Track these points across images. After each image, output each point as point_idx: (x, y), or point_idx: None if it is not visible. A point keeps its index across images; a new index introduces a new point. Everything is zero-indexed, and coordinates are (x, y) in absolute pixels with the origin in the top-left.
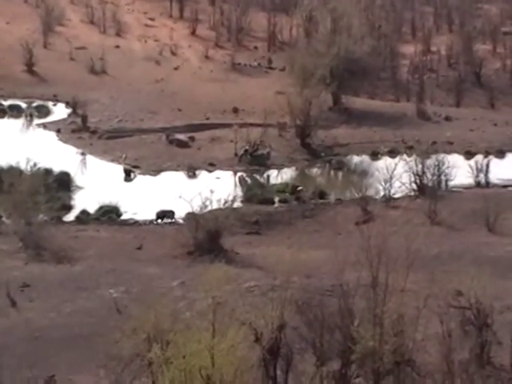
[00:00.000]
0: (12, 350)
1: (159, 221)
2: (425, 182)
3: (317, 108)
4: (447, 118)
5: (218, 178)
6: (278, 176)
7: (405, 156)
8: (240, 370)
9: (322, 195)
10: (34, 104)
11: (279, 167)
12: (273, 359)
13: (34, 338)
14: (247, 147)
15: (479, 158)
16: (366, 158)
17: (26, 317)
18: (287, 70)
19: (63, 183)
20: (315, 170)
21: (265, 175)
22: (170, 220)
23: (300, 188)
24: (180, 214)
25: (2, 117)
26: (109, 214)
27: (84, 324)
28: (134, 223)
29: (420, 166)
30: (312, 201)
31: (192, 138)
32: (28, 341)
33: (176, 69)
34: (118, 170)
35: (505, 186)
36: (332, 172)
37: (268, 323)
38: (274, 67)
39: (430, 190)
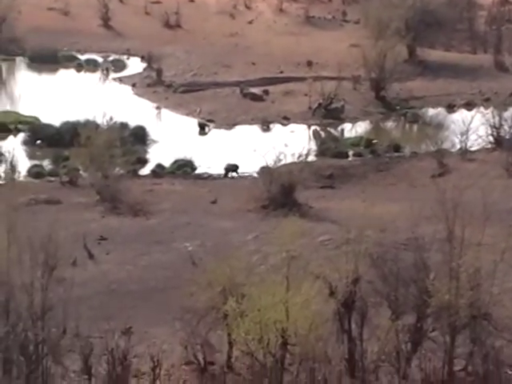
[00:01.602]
0: (89, 301)
1: (234, 174)
2: (502, 134)
3: (392, 60)
4: None
5: (292, 131)
6: (353, 129)
7: (482, 108)
8: (314, 323)
9: (396, 148)
10: (110, 58)
11: (353, 120)
12: (347, 313)
13: (110, 291)
14: (321, 100)
15: None
16: (441, 110)
17: (103, 269)
18: (362, 23)
19: (139, 137)
20: (390, 123)
21: (339, 129)
22: (239, 174)
23: (375, 141)
24: (253, 168)
25: (79, 71)
26: (183, 168)
27: (160, 277)
28: (209, 177)
29: (497, 118)
30: (387, 154)
31: (266, 92)
32: (105, 293)
33: (250, 22)
34: (193, 123)
35: None
36: (407, 125)
37: (342, 277)
38: (348, 20)
39: (507, 143)
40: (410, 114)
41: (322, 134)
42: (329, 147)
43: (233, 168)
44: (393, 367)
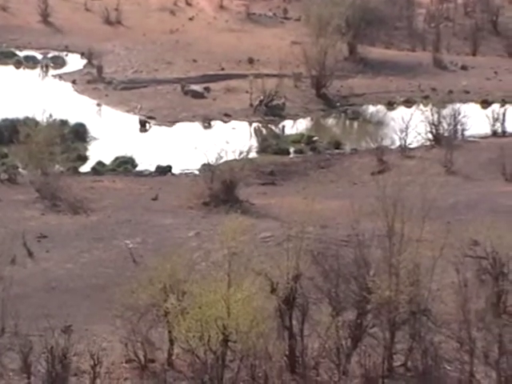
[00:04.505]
0: (29, 299)
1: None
2: (441, 131)
3: (332, 58)
4: (463, 67)
5: (233, 128)
6: (294, 126)
7: (421, 105)
8: (256, 320)
9: (337, 145)
10: (50, 55)
11: (294, 118)
12: (288, 309)
13: (50, 288)
14: (262, 98)
15: (496, 106)
16: (381, 107)
17: (43, 267)
18: (303, 20)
19: (79, 134)
20: (331, 120)
21: (280, 126)
22: (183, 171)
23: (315, 138)
24: (195, 165)
25: (18, 67)
26: (124, 165)
27: (100, 274)
28: (150, 174)
29: (436, 116)
30: (327, 151)
31: (207, 89)
32: (45, 291)
33: (191, 19)
34: (134, 120)
35: None
36: (347, 122)
37: (283, 273)
38: (289, 17)
39: (445, 140)
40: (350, 111)
41: (264, 131)
42: (270, 144)
43: (165, 169)
44: (333, 363)
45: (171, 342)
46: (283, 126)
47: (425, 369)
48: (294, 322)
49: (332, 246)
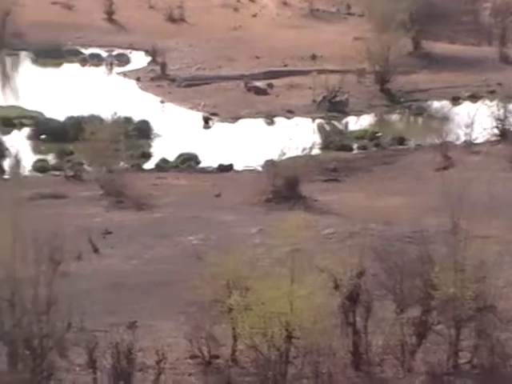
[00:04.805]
0: (94, 295)
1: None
2: (507, 126)
3: (396, 53)
4: None
5: (296, 124)
6: (357, 122)
7: (486, 101)
8: (319, 316)
9: (401, 141)
10: (114, 52)
11: (358, 113)
12: (352, 306)
13: (115, 285)
14: (325, 94)
15: None
16: (446, 103)
17: (108, 263)
18: (366, 16)
19: (143, 131)
20: (394, 116)
21: (343, 122)
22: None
23: (379, 134)
24: (258, 162)
25: (84, 65)
26: (188, 162)
27: (164, 271)
28: (213, 171)
29: (502, 111)
30: (391, 147)
31: (270, 85)
32: (110, 287)
33: (254, 16)
34: (197, 117)
35: None
36: (412, 117)
37: (347, 270)
38: (352, 13)
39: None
40: (414, 106)
41: (327, 127)
42: (333, 140)
43: (226, 167)
44: (398, 360)
45: (235, 338)
46: (346, 122)
47: (491, 366)
48: (358, 319)
49: (396, 242)
